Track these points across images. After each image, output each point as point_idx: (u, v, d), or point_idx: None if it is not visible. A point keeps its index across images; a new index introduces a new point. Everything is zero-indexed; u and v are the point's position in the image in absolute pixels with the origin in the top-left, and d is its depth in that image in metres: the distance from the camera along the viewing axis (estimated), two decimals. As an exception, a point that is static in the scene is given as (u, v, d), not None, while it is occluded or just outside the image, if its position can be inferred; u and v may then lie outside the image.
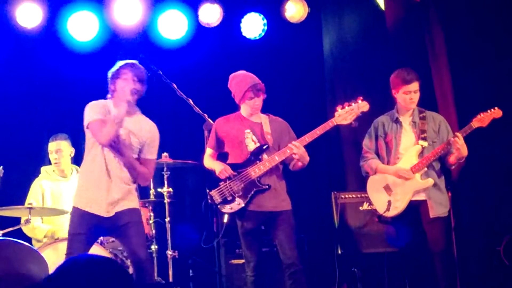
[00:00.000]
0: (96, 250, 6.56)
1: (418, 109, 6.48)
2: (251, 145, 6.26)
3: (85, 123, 5.66)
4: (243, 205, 6.17)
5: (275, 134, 6.32)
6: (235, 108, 6.56)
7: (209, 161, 6.41)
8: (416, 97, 6.39)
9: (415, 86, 6.35)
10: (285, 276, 6.17)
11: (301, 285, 6.11)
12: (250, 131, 6.30)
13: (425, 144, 6.31)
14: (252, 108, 6.30)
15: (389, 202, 6.32)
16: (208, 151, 6.45)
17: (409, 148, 6.36)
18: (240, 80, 6.32)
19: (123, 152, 5.67)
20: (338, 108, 6.19)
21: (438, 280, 6.25)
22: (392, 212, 6.32)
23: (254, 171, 6.16)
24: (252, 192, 6.17)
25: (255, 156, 6.22)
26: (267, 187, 6.16)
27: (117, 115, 5.56)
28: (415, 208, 6.29)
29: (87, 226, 5.61)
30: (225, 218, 6.43)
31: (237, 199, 6.20)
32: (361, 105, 6.15)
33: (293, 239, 6.16)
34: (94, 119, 5.61)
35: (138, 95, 5.70)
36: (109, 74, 5.75)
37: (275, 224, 6.18)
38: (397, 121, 6.46)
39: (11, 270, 2.03)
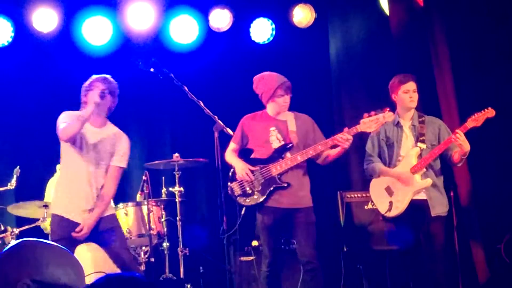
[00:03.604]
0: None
1: (418, 114, 6.60)
2: (276, 143, 6.38)
3: (58, 129, 5.84)
4: (261, 200, 6.28)
5: (301, 132, 6.42)
6: (244, 110, 6.70)
7: (231, 157, 6.53)
8: (415, 96, 6.51)
9: (412, 85, 6.49)
10: (302, 273, 6.30)
11: (317, 281, 6.22)
12: (275, 129, 6.41)
13: (423, 146, 6.45)
14: (281, 106, 6.40)
15: (391, 203, 6.46)
16: (232, 145, 6.56)
17: (408, 150, 6.51)
18: (269, 79, 6.44)
19: (97, 164, 5.88)
20: (365, 115, 6.23)
21: (439, 278, 6.37)
22: (394, 212, 6.45)
23: (276, 168, 6.27)
24: (271, 188, 6.27)
25: (278, 153, 6.33)
26: (286, 185, 6.26)
27: (83, 113, 5.70)
28: (416, 207, 6.41)
29: (67, 231, 5.77)
30: (243, 211, 6.59)
31: (256, 193, 6.32)
32: (387, 115, 6.19)
33: (310, 236, 6.25)
34: (63, 122, 5.79)
35: (108, 105, 5.88)
36: (83, 88, 5.94)
37: (293, 221, 6.27)
38: (398, 124, 6.59)
39: (36, 276, 2.10)
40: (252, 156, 6.50)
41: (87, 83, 5.91)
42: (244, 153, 6.61)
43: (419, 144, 6.48)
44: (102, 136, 5.92)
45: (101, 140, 5.90)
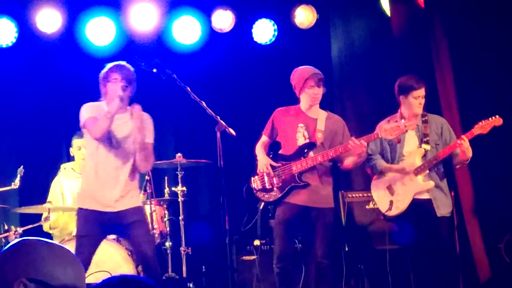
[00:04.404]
0: (112, 247, 6.77)
1: (421, 113, 6.62)
2: (301, 140, 6.42)
3: (81, 123, 5.86)
4: (279, 196, 6.35)
5: (328, 133, 6.44)
6: (246, 110, 6.73)
7: (259, 149, 6.60)
8: (423, 102, 6.54)
9: (423, 91, 6.51)
10: (314, 271, 6.43)
11: (326, 280, 6.34)
12: (304, 126, 6.45)
13: (427, 147, 6.47)
14: (312, 97, 6.42)
15: (391, 202, 6.50)
16: (263, 138, 6.63)
17: (412, 151, 6.53)
18: (302, 70, 6.48)
19: (123, 152, 5.85)
20: (386, 120, 6.34)
21: (441, 278, 6.40)
22: (394, 212, 6.50)
23: (296, 166, 6.32)
24: (290, 186, 6.34)
25: (301, 151, 6.38)
26: (304, 183, 6.31)
27: (109, 110, 5.71)
28: (420, 207, 6.44)
29: (93, 226, 5.78)
30: (261, 206, 6.63)
31: (274, 189, 6.40)
32: (408, 124, 6.20)
33: (323, 236, 6.33)
34: (88, 117, 5.80)
35: (129, 95, 5.85)
36: (100, 78, 5.91)
37: (309, 219, 6.34)
38: None
39: (33, 275, 2.07)
40: (280, 151, 6.55)
41: (103, 72, 5.88)
42: (276, 146, 6.68)
43: (423, 145, 6.49)
44: (128, 126, 5.92)
45: (127, 131, 5.91)
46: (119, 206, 5.83)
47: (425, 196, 6.48)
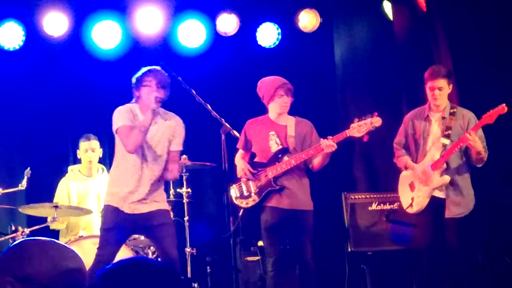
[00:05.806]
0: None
1: (450, 105, 6.53)
2: (274, 147, 6.56)
3: (114, 128, 5.84)
4: (257, 202, 6.46)
5: (299, 137, 6.57)
6: (250, 113, 6.79)
7: (237, 160, 6.74)
8: (440, 94, 6.42)
9: (439, 83, 6.40)
10: (299, 272, 6.48)
11: (310, 279, 6.40)
12: (275, 133, 6.58)
13: (446, 142, 6.37)
14: (281, 106, 6.56)
15: (412, 199, 6.51)
16: (240, 151, 6.77)
17: (434, 145, 6.46)
18: (270, 80, 6.64)
19: (153, 156, 5.87)
20: (355, 120, 6.30)
21: (447, 279, 6.40)
22: (415, 208, 6.49)
23: (272, 172, 6.46)
24: (267, 191, 6.44)
25: (276, 157, 6.51)
26: (280, 187, 6.42)
27: (143, 123, 5.71)
28: (434, 206, 6.41)
29: (117, 221, 5.76)
30: (240, 212, 6.71)
31: (252, 195, 6.51)
32: (374, 121, 6.27)
33: (306, 237, 6.42)
34: (121, 125, 5.78)
35: (162, 101, 5.86)
36: (133, 79, 5.90)
37: (293, 222, 6.41)
38: (427, 118, 6.53)
39: (19, 272, 2.01)
40: (255, 160, 6.69)
41: (138, 75, 5.87)
42: (251, 158, 6.79)
43: (442, 139, 6.41)
44: (160, 132, 5.94)
45: (159, 136, 5.93)
46: (147, 207, 5.86)
47: (440, 194, 6.43)
